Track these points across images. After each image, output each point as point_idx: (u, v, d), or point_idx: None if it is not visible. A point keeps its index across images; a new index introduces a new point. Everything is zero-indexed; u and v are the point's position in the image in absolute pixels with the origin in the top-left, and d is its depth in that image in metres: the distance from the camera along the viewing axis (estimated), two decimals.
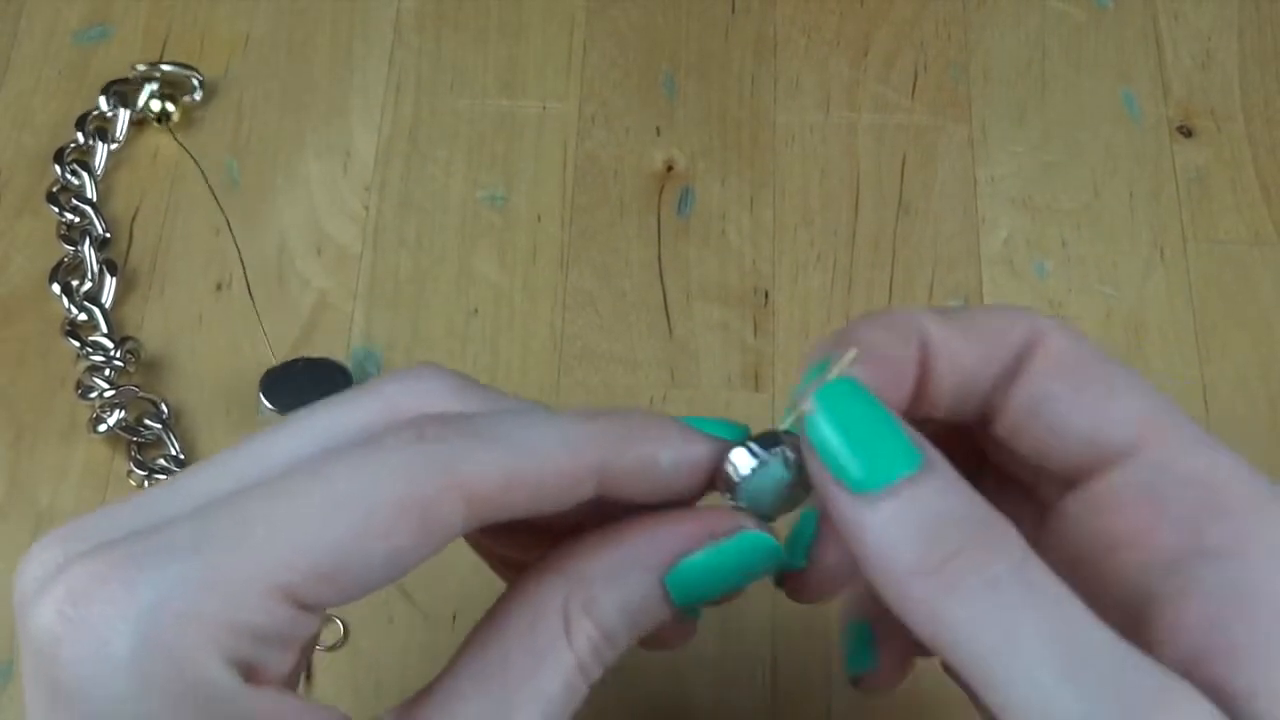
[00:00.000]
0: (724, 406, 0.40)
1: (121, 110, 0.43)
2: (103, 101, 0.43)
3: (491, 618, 0.23)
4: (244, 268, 0.42)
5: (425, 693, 0.22)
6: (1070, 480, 0.24)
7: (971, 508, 0.21)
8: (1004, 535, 0.21)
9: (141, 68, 0.44)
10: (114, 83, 0.44)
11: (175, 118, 0.44)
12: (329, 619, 0.37)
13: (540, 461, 0.22)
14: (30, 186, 0.43)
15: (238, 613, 0.20)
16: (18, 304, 0.41)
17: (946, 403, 0.25)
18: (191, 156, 0.43)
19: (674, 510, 0.24)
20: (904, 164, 0.44)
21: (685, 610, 0.25)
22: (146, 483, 0.38)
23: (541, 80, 0.45)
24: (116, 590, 0.19)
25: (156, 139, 0.44)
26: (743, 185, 0.44)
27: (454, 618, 0.37)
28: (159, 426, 0.39)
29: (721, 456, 0.24)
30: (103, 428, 0.38)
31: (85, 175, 0.43)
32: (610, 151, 0.44)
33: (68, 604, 0.20)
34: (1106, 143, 0.45)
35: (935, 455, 0.22)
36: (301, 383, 0.39)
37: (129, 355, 0.40)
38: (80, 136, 0.43)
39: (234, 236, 0.42)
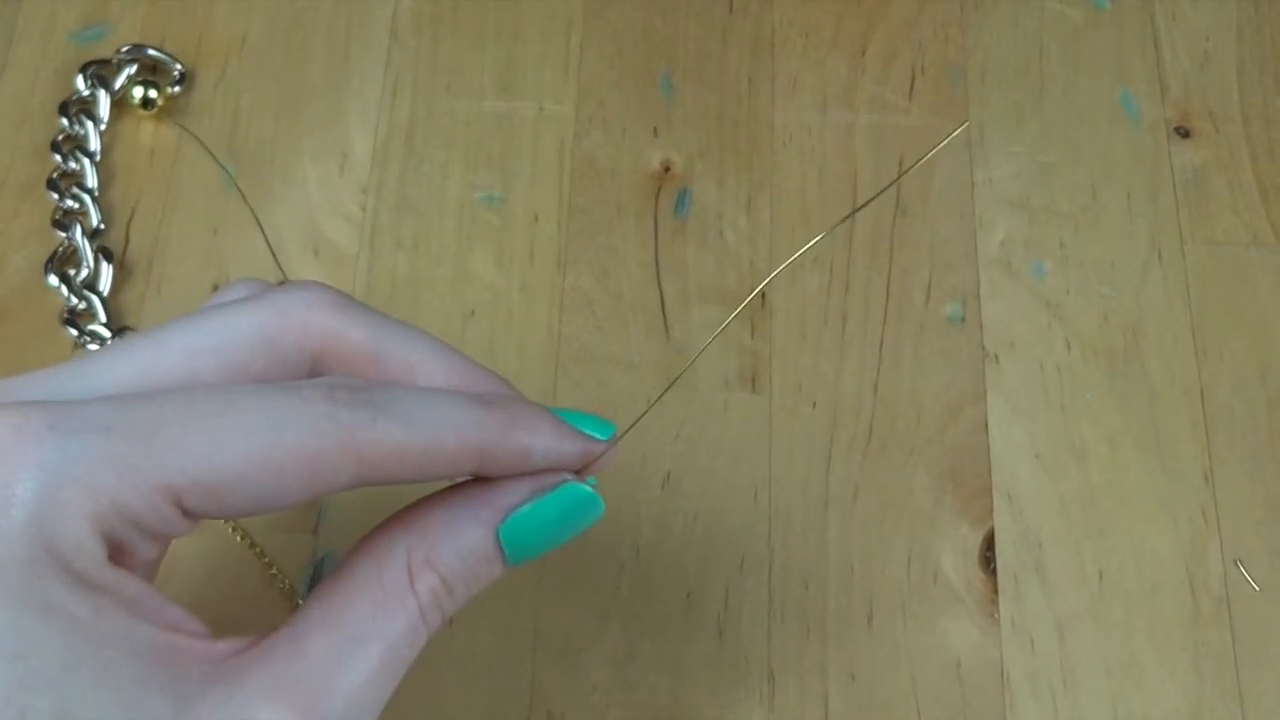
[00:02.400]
0: (721, 407, 0.40)
1: (101, 92, 0.44)
2: (80, 81, 0.44)
3: (340, 567, 0.25)
4: (269, 246, 0.42)
5: (278, 628, 0.24)
6: None
7: None
8: None
9: (125, 49, 0.44)
10: (91, 63, 0.44)
11: (159, 103, 0.44)
12: None
13: (429, 441, 0.24)
14: (28, 185, 0.43)
15: (126, 496, 0.22)
16: (15, 303, 0.41)
17: None
18: (194, 135, 0.43)
19: (507, 478, 0.27)
20: (901, 165, 0.44)
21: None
22: None
23: (538, 81, 0.45)
24: (27, 444, 0.21)
25: (153, 139, 0.44)
26: (740, 186, 0.44)
27: (450, 620, 0.37)
28: None
29: (589, 454, 0.27)
30: None
31: (85, 161, 0.43)
32: (607, 152, 0.44)
33: None
34: (1104, 144, 0.44)
35: None
36: None
37: None
38: (65, 121, 0.43)
39: (257, 220, 0.42)
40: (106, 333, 0.40)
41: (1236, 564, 0.39)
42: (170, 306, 0.41)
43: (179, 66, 0.44)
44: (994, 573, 0.38)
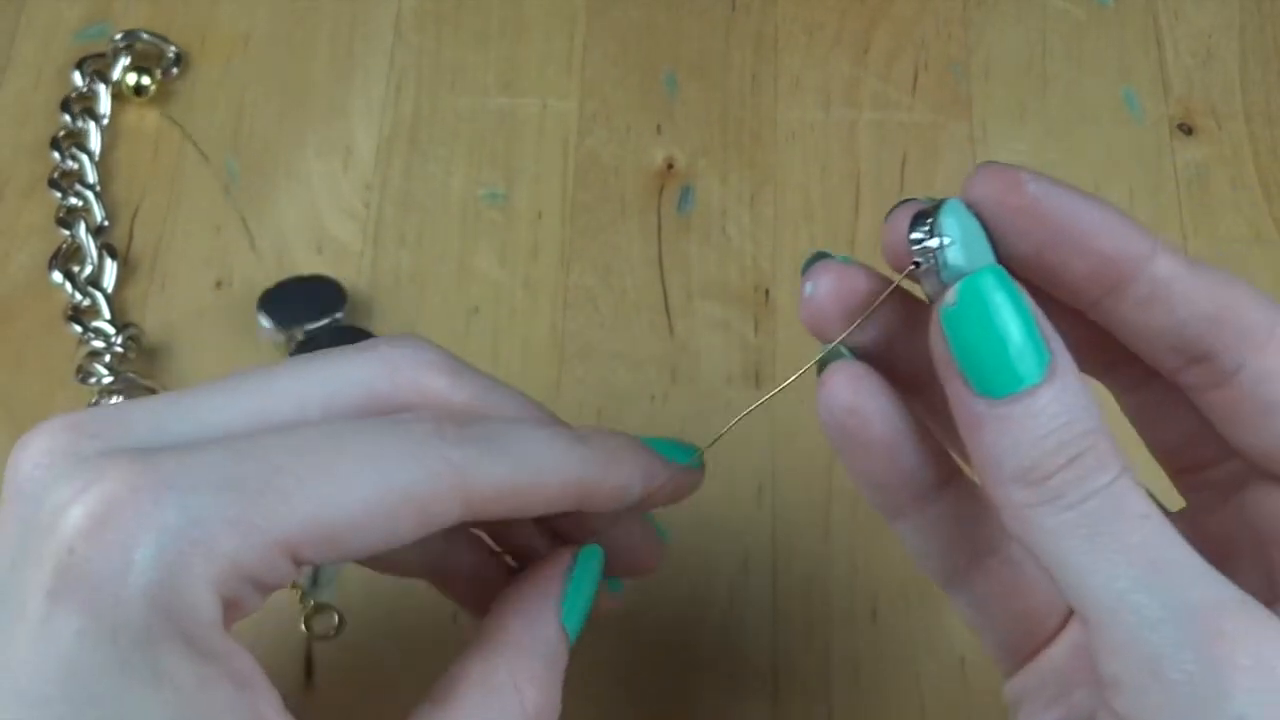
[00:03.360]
0: (724, 405, 0.40)
1: (100, 86, 0.44)
2: (77, 77, 0.44)
3: (451, 701, 0.25)
4: (251, 247, 0.42)
5: None
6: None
7: (1080, 421, 0.22)
8: (1103, 451, 0.22)
9: (119, 36, 0.44)
10: (88, 58, 0.44)
11: (152, 91, 0.44)
12: (327, 609, 0.37)
13: (536, 479, 0.25)
14: (31, 184, 0.43)
15: (245, 555, 0.21)
16: (18, 302, 0.41)
17: (1134, 326, 0.24)
18: (178, 124, 0.43)
19: (533, 569, 0.27)
20: (905, 162, 0.44)
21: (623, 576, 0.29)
22: None
23: (542, 78, 0.45)
24: (147, 504, 0.21)
25: (157, 136, 0.44)
26: (743, 183, 0.44)
27: (454, 616, 0.37)
28: None
29: (681, 483, 0.27)
30: None
31: (85, 158, 0.43)
32: (611, 149, 0.44)
33: (96, 501, 0.21)
34: (1107, 141, 0.45)
35: (1061, 362, 0.22)
36: (296, 300, 0.40)
37: (130, 342, 0.40)
38: (68, 118, 0.43)
39: (244, 222, 0.42)
40: (110, 329, 0.40)
41: None
42: (174, 303, 0.41)
43: (173, 48, 0.44)
44: None
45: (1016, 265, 0.23)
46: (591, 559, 0.28)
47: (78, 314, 0.41)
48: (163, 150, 0.44)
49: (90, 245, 0.41)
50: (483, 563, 0.30)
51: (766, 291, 0.42)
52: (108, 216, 0.42)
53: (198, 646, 0.21)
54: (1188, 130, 0.45)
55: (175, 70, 0.44)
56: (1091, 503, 0.21)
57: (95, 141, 0.43)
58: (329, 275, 0.41)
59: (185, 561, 0.21)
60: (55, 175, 0.43)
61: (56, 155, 0.43)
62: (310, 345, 0.40)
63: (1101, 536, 0.21)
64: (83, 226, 0.42)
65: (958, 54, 0.46)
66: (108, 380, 0.39)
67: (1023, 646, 0.27)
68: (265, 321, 0.40)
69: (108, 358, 0.39)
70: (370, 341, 0.26)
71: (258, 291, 0.41)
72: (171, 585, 0.21)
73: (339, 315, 0.40)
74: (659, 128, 0.44)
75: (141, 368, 0.40)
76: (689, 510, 0.39)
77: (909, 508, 0.26)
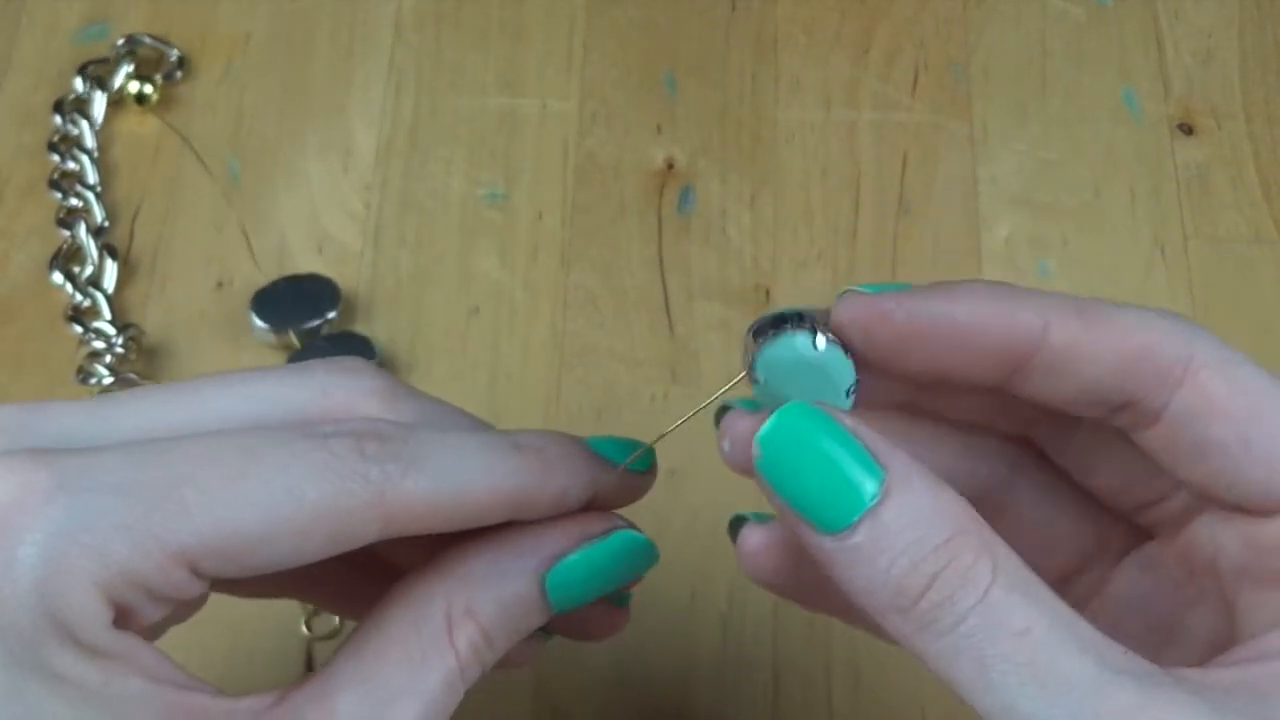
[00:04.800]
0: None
1: (97, 92, 0.44)
2: (78, 83, 0.44)
3: (373, 617, 0.24)
4: (250, 252, 0.42)
5: (303, 683, 0.23)
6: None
7: (932, 532, 0.21)
8: (966, 562, 0.21)
9: (121, 41, 0.44)
10: (90, 63, 0.44)
11: (154, 99, 0.44)
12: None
13: (462, 493, 0.23)
14: (31, 185, 0.43)
15: (136, 563, 0.20)
16: (18, 302, 0.41)
17: (1044, 393, 0.24)
18: (180, 135, 0.43)
19: (551, 520, 0.25)
20: (905, 162, 0.44)
21: (614, 600, 0.26)
22: None
23: (542, 79, 0.45)
24: (35, 503, 0.20)
25: (157, 136, 0.44)
26: (743, 183, 0.44)
27: None
28: None
29: (631, 487, 0.25)
30: None
31: (85, 159, 0.43)
32: (611, 150, 0.44)
33: None
34: (1107, 141, 0.45)
35: (898, 473, 0.21)
36: (289, 300, 0.40)
37: (130, 342, 0.40)
38: (58, 119, 0.43)
39: (243, 229, 0.42)
40: (111, 330, 0.40)
41: None
42: (175, 303, 0.41)
43: (175, 52, 0.44)
44: None
45: (906, 377, 0.23)
46: (628, 543, 0.25)
47: (78, 314, 0.41)
48: (163, 151, 0.44)
49: (90, 246, 0.41)
50: (360, 575, 0.28)
51: (767, 291, 0.42)
52: (108, 217, 0.42)
53: (90, 647, 0.20)
54: (1188, 130, 0.45)
55: (178, 74, 0.44)
56: (968, 623, 0.20)
57: (91, 142, 0.43)
58: (324, 274, 0.41)
59: (70, 563, 0.20)
60: (55, 176, 0.43)
61: (55, 156, 0.43)
62: (308, 352, 0.40)
63: (989, 659, 0.20)
64: (83, 227, 0.42)
65: (958, 54, 0.46)
66: (108, 381, 0.39)
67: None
68: (258, 321, 0.40)
69: (108, 358, 0.39)
70: (309, 363, 0.25)
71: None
72: (56, 586, 0.20)
73: (332, 314, 0.40)
74: (659, 128, 0.44)
75: (142, 368, 0.40)
76: (689, 510, 0.39)
77: (854, 616, 0.26)
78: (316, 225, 0.43)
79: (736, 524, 0.26)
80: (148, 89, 0.44)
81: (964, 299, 0.23)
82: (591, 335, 0.41)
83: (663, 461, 0.39)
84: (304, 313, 0.40)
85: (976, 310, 0.22)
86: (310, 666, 0.36)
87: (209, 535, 0.21)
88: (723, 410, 0.24)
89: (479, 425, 0.26)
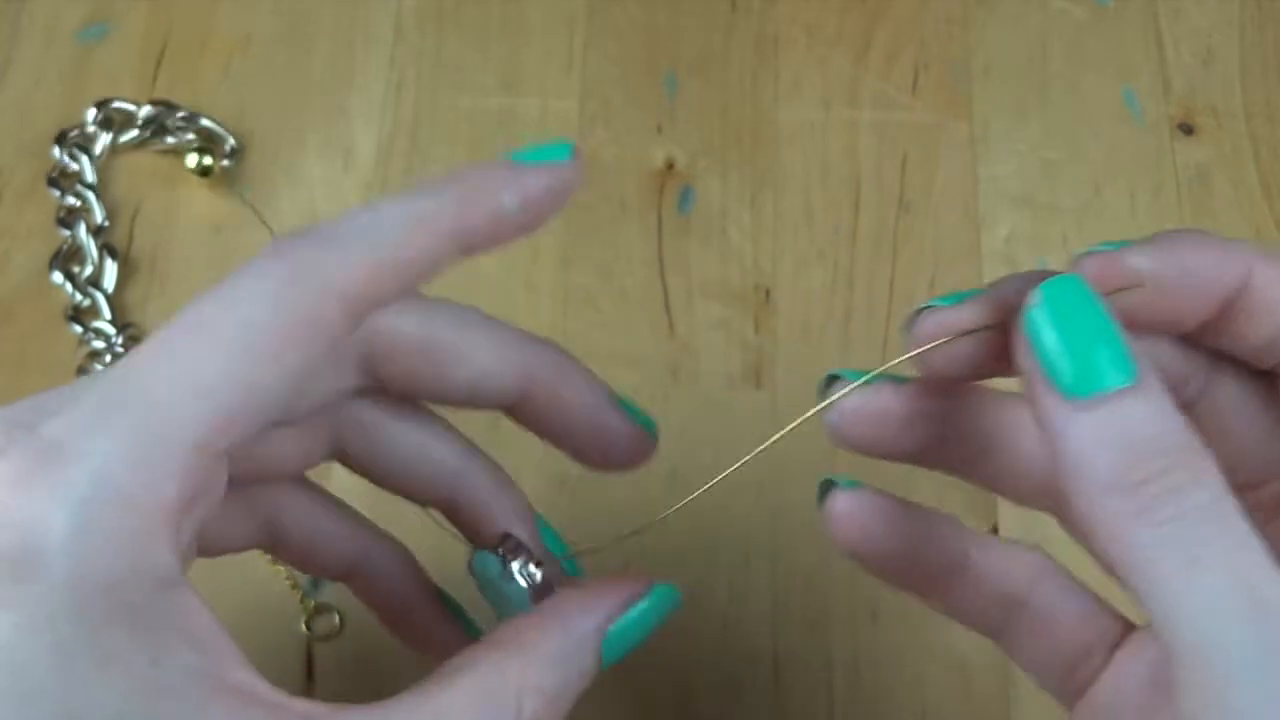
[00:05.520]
0: (725, 404, 0.40)
1: (104, 134, 0.43)
2: (90, 115, 0.43)
3: (444, 674, 0.23)
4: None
5: (368, 709, 0.22)
6: None
7: (1178, 432, 0.21)
8: (1205, 466, 0.21)
9: (182, 115, 0.43)
10: (106, 102, 0.43)
11: (215, 171, 0.43)
12: (327, 609, 0.37)
13: (399, 243, 0.23)
14: (31, 185, 0.43)
15: (167, 480, 0.20)
16: (19, 301, 0.41)
17: (1249, 345, 0.24)
18: (252, 206, 0.43)
19: (595, 584, 0.26)
20: (905, 162, 0.44)
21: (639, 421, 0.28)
22: None
23: (542, 78, 0.45)
24: (50, 476, 0.20)
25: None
26: (744, 183, 0.44)
27: None
28: None
29: (560, 178, 0.25)
30: None
31: (85, 158, 0.43)
32: (611, 150, 0.44)
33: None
34: (1108, 140, 0.45)
35: (1150, 373, 0.21)
36: None
37: (130, 342, 0.40)
38: (56, 152, 0.43)
39: (263, 220, 0.42)
40: (111, 329, 0.40)
41: None
42: (174, 303, 0.41)
43: (232, 141, 0.43)
44: None
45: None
46: (667, 597, 0.27)
47: (78, 314, 0.41)
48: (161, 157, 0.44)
49: (90, 245, 0.41)
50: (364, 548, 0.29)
51: (767, 291, 0.42)
52: (108, 217, 0.42)
53: (142, 616, 0.20)
54: (1188, 130, 0.45)
55: (232, 160, 0.43)
56: (1189, 520, 0.20)
57: (88, 174, 0.43)
58: None
59: (107, 523, 0.20)
60: (55, 175, 0.43)
61: (57, 152, 0.43)
62: None
63: (1200, 562, 0.20)
64: (83, 227, 0.42)
65: (958, 54, 0.46)
66: None
67: (1072, 683, 0.26)
68: None
69: (108, 358, 0.39)
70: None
71: None
72: (99, 554, 0.20)
73: None
74: (659, 128, 0.44)
75: None
76: (689, 509, 0.39)
77: (934, 590, 0.26)
78: None
79: (827, 487, 0.26)
80: (208, 160, 0.42)
81: (1186, 250, 0.23)
82: (592, 335, 0.41)
83: (662, 462, 0.39)
84: None
85: (1195, 260, 0.23)
86: (310, 666, 0.36)
87: (202, 413, 0.21)
88: (831, 379, 0.25)
89: (484, 317, 0.27)
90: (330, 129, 0.44)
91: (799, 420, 0.26)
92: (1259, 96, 0.45)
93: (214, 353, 0.21)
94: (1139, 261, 0.23)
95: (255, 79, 0.45)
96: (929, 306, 0.24)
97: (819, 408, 0.25)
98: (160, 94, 0.45)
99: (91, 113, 0.43)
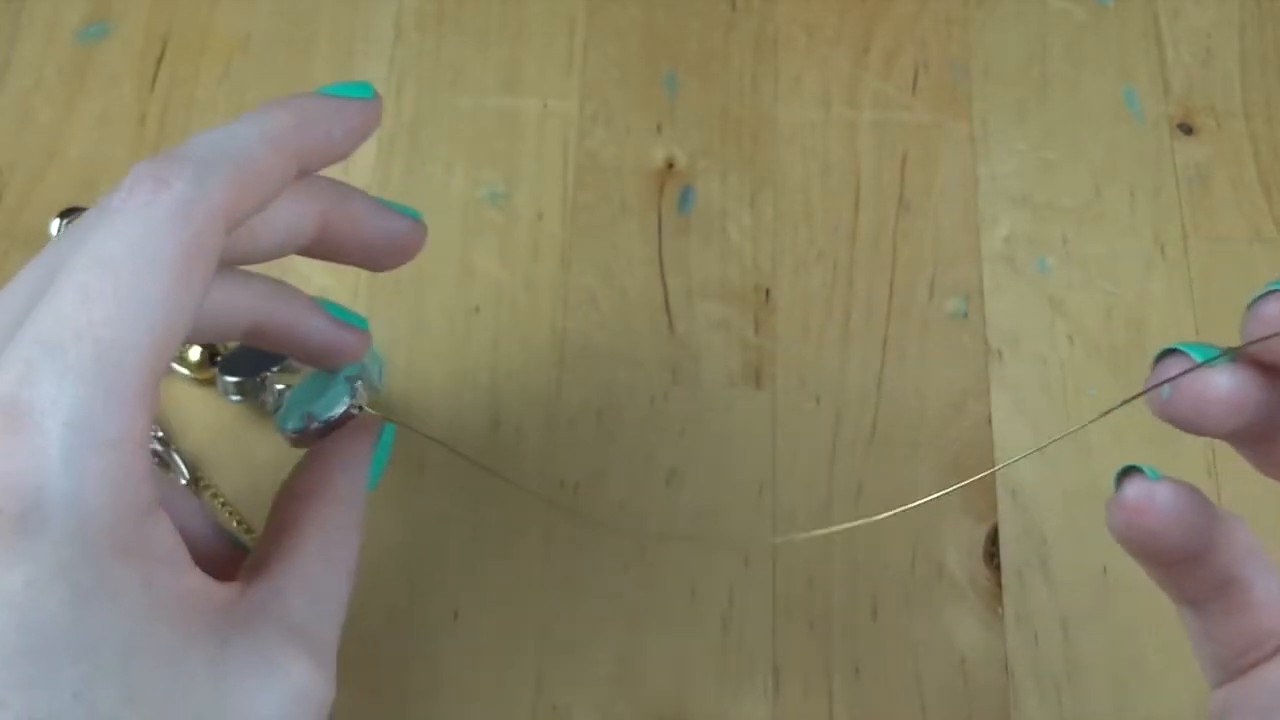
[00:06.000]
0: (725, 404, 0.40)
1: None
2: (53, 226, 0.42)
3: (286, 533, 0.27)
4: None
5: (252, 580, 0.25)
6: None
7: None
8: None
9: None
10: (71, 211, 0.42)
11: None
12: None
13: (258, 164, 0.25)
14: (31, 185, 0.43)
15: (136, 414, 0.22)
16: None
17: None
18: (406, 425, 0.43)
19: (338, 444, 0.29)
20: (905, 161, 0.44)
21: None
22: None
23: (542, 78, 0.45)
24: (24, 437, 0.21)
25: (159, 137, 0.44)
26: (743, 183, 0.44)
27: (455, 614, 0.37)
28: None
29: (362, 138, 0.28)
30: None
31: None
32: (611, 149, 0.44)
33: None
34: (1107, 140, 0.45)
35: None
36: (248, 351, 0.40)
37: None
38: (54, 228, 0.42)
39: None
40: None
41: None
42: None
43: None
44: (998, 568, 0.38)
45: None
46: (389, 434, 0.30)
47: None
48: (164, 142, 0.44)
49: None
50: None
51: (767, 291, 0.42)
52: None
53: (134, 547, 0.22)
54: (1188, 130, 0.45)
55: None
56: None
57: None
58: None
59: (93, 468, 0.21)
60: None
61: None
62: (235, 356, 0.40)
63: None
64: None
65: (958, 54, 0.46)
66: None
67: (1239, 662, 0.26)
68: (228, 379, 0.39)
69: None
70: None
71: None
72: (94, 498, 0.21)
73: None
74: (659, 127, 0.44)
75: None
76: (690, 509, 0.39)
77: (1173, 573, 0.26)
78: None
79: (1127, 473, 0.25)
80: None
81: None
82: (592, 335, 0.41)
83: (663, 462, 0.39)
84: (270, 363, 0.39)
85: None
86: None
87: (143, 344, 0.22)
88: (1166, 352, 0.24)
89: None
90: None
91: (1140, 393, 0.25)
92: (1259, 96, 0.45)
93: (138, 287, 0.22)
94: None
95: (255, 79, 0.45)
96: (1277, 291, 0.24)
97: (1169, 379, 0.24)
98: (160, 94, 0.45)
99: (55, 223, 0.42)
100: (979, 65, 0.46)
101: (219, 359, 0.40)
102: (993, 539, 0.39)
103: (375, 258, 0.31)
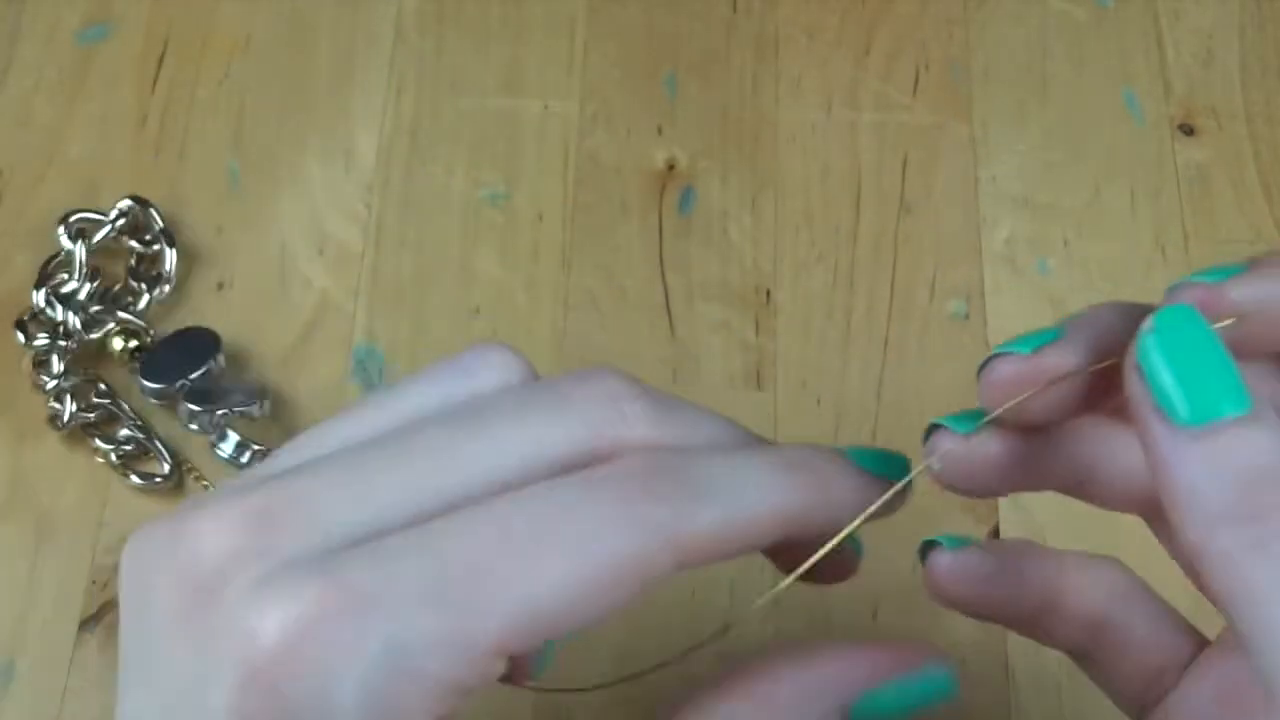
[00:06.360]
0: (725, 406, 0.40)
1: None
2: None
3: None
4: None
5: None
6: None
7: None
8: None
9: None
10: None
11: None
12: None
13: (749, 519, 0.22)
14: (31, 185, 0.43)
15: (455, 672, 0.20)
16: (19, 302, 0.41)
17: None
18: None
19: (859, 642, 0.24)
20: (905, 163, 0.44)
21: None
22: (113, 456, 0.38)
23: (543, 79, 0.45)
24: (349, 630, 0.19)
25: (159, 138, 0.44)
26: (744, 184, 0.44)
27: None
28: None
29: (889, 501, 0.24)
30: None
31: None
32: (612, 150, 0.44)
33: (293, 622, 0.19)
34: (1108, 141, 0.45)
35: (1264, 402, 0.21)
36: (173, 357, 0.39)
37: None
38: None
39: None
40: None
41: None
42: (177, 303, 0.41)
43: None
44: None
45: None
46: (937, 682, 0.24)
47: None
48: (164, 152, 0.44)
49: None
50: None
51: (767, 292, 0.42)
52: None
53: None
54: (1188, 131, 0.45)
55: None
56: None
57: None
58: (200, 325, 0.40)
59: (395, 693, 0.19)
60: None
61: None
62: (159, 349, 0.39)
63: None
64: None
65: (958, 54, 0.46)
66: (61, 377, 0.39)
67: (1145, 697, 0.26)
68: (147, 384, 0.39)
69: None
70: (557, 385, 0.23)
71: (260, 293, 0.41)
72: (386, 716, 0.19)
73: (212, 364, 0.39)
74: (660, 129, 0.44)
75: None
76: None
77: (1027, 627, 0.26)
78: (317, 227, 0.43)
79: (928, 547, 0.26)
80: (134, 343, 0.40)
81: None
82: (592, 336, 0.41)
83: None
84: (191, 367, 0.39)
85: None
86: None
87: (522, 623, 0.20)
88: (932, 428, 0.24)
89: (741, 432, 0.25)
90: (330, 130, 0.44)
91: (905, 481, 0.25)
92: (1259, 97, 0.45)
93: (550, 570, 0.20)
94: (1241, 294, 0.22)
95: (255, 79, 0.45)
96: (1006, 354, 0.23)
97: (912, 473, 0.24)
98: (160, 95, 0.45)
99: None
100: (979, 66, 0.46)
101: (141, 353, 0.40)
102: (993, 539, 0.39)
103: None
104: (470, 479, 0.21)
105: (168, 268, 0.41)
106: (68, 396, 0.39)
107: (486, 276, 0.42)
